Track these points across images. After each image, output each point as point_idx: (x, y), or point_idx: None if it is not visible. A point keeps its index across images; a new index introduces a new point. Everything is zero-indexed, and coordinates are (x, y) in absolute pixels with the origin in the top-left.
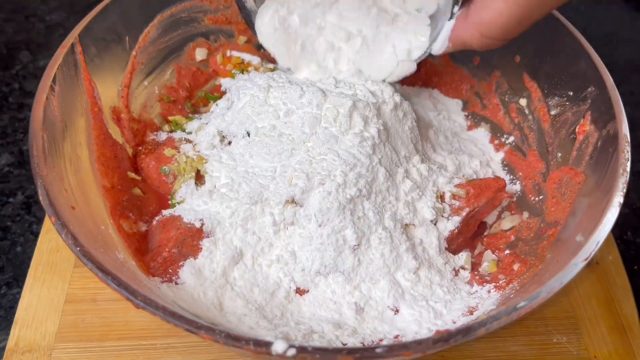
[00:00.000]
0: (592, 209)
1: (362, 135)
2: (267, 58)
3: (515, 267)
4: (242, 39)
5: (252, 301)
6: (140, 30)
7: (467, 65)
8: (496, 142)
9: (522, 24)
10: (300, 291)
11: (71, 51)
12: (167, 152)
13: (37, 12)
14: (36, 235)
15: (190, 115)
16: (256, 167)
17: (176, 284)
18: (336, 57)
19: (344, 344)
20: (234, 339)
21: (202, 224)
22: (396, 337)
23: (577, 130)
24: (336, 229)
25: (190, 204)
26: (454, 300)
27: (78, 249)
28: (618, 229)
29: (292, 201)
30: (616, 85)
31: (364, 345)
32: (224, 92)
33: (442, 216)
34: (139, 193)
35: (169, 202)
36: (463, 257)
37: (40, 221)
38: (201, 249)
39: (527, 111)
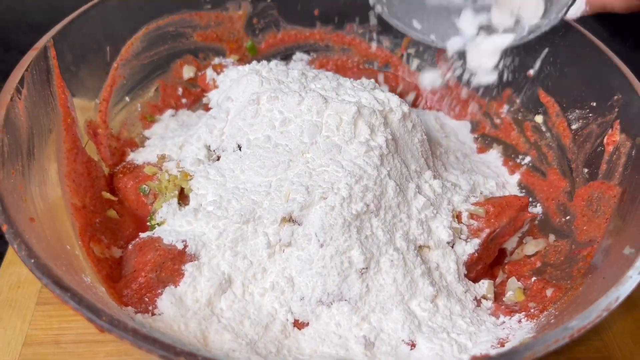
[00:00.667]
0: (639, 219)
1: (368, 144)
2: None
3: (549, 292)
4: (233, 57)
5: (242, 335)
6: (123, 41)
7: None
8: (510, 163)
9: None
10: (298, 324)
11: (44, 55)
12: (148, 169)
13: (17, 45)
14: None
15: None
16: (248, 182)
17: (153, 314)
18: None
19: None
20: None
21: (185, 246)
22: None
23: (605, 141)
24: (341, 249)
25: (171, 225)
26: (479, 332)
27: (32, 260)
28: None
29: (290, 219)
30: None
31: None
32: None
33: (460, 238)
34: (114, 215)
35: (148, 223)
36: (485, 286)
37: (1, 256)
38: (183, 274)
39: (544, 128)
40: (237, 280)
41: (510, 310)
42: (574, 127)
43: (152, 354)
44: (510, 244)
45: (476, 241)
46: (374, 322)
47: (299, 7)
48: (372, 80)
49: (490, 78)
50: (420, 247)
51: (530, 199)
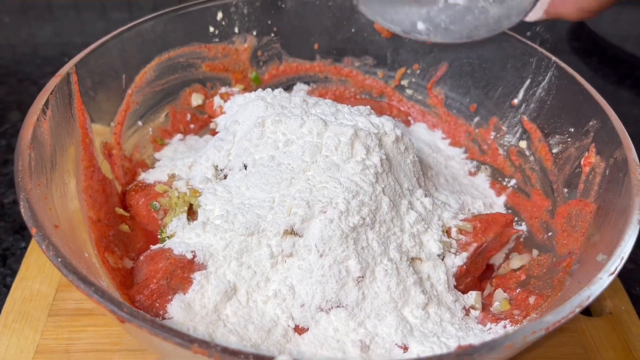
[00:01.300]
0: (610, 230)
1: (364, 163)
2: None
3: (531, 300)
4: (238, 87)
5: (247, 339)
6: (137, 70)
7: (464, 113)
8: (497, 186)
9: None
10: (299, 329)
11: (67, 80)
12: (159, 187)
13: (30, 76)
14: (9, 287)
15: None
16: (253, 198)
17: (163, 318)
18: None
19: None
20: (231, 354)
21: (194, 256)
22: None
23: (582, 163)
24: (339, 259)
25: (181, 237)
26: (467, 336)
27: (59, 259)
28: (625, 284)
29: (291, 231)
30: None
31: None
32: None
33: (450, 251)
34: (127, 229)
35: (158, 236)
36: (473, 297)
37: (15, 273)
38: (192, 282)
39: (527, 152)
40: (241, 288)
41: (497, 318)
42: (554, 151)
43: (167, 341)
44: (497, 259)
45: (464, 254)
46: (369, 327)
47: (300, 42)
48: (368, 106)
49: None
50: (412, 259)
51: (516, 219)
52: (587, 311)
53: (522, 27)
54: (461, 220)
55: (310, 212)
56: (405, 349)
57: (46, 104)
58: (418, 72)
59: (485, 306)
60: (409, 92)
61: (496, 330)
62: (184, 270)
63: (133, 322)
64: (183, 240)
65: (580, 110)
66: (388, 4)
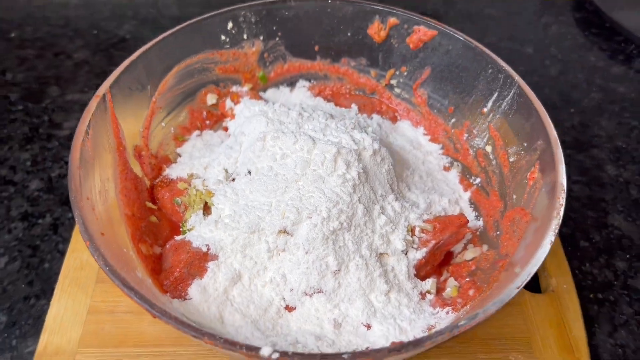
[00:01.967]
0: (531, 245)
1: (344, 177)
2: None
3: (471, 292)
4: (247, 85)
5: (248, 315)
6: (160, 79)
7: (443, 114)
8: (465, 182)
9: None
10: (289, 308)
11: (103, 99)
12: (180, 185)
13: (65, 50)
14: (62, 253)
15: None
16: (255, 201)
17: (185, 299)
18: None
19: (323, 353)
20: (230, 344)
21: (208, 249)
22: (367, 348)
23: (528, 176)
24: (320, 256)
25: (198, 231)
26: (418, 319)
27: (107, 268)
28: (578, 261)
29: (284, 231)
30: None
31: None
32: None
33: (412, 247)
34: (155, 220)
35: (180, 229)
36: (429, 283)
37: (65, 241)
38: (207, 270)
39: (491, 157)
40: (245, 275)
41: (445, 304)
42: (511, 160)
43: (186, 334)
44: (457, 248)
45: (424, 250)
46: (342, 309)
47: (302, 44)
48: (353, 120)
49: None
50: (380, 254)
51: (477, 214)
52: (534, 287)
53: None
54: (424, 221)
55: (299, 217)
56: (369, 327)
57: (88, 124)
58: (405, 73)
59: (440, 290)
60: (397, 90)
61: (440, 315)
62: (200, 261)
63: (162, 319)
64: (200, 234)
65: (533, 130)
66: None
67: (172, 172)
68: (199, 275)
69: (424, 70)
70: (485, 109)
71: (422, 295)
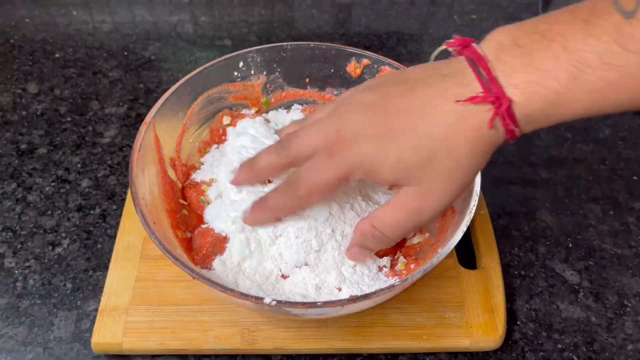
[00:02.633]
0: (451, 233)
1: None
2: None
3: (412, 266)
4: (254, 109)
5: (255, 281)
6: (188, 107)
7: None
8: None
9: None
10: (283, 276)
11: (149, 125)
12: (204, 187)
13: (101, 70)
14: (110, 236)
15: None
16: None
17: (210, 269)
18: None
19: None
20: (244, 296)
21: (226, 235)
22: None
23: None
24: (306, 240)
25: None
26: (375, 285)
27: (161, 246)
28: (509, 246)
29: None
30: None
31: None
32: None
33: None
34: (186, 213)
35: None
36: (385, 260)
37: (112, 227)
38: (225, 249)
39: None
40: (253, 254)
41: (395, 274)
42: None
43: (214, 290)
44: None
45: None
46: (322, 277)
47: (296, 77)
48: None
49: None
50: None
51: None
52: (470, 265)
53: None
54: None
55: (292, 216)
56: (340, 289)
57: (140, 145)
58: None
59: (393, 265)
60: None
61: (389, 282)
62: (221, 242)
63: (199, 279)
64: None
65: None
66: None
67: (197, 176)
68: (220, 253)
69: None
70: None
71: (380, 269)
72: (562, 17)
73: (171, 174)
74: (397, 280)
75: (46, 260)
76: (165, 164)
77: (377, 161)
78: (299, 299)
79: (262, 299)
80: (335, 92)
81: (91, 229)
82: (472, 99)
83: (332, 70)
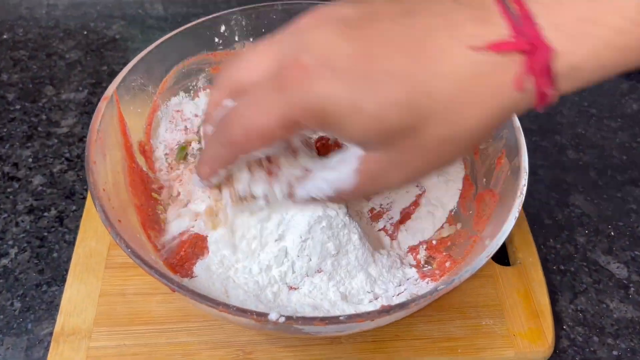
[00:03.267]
0: (498, 221)
1: None
2: None
3: (447, 264)
4: None
5: (249, 290)
6: (160, 79)
7: None
8: None
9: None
10: (292, 288)
11: (110, 100)
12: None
13: (57, 51)
14: (68, 243)
15: None
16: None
17: (192, 277)
18: None
19: None
20: (242, 312)
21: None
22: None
23: (496, 162)
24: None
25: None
26: (405, 288)
27: (129, 250)
28: (543, 237)
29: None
30: None
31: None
32: None
33: None
34: (161, 210)
35: None
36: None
37: (71, 232)
38: (206, 250)
39: None
40: None
41: (425, 275)
42: (481, 147)
43: (202, 304)
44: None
45: None
46: (346, 284)
47: None
48: None
49: None
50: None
51: None
52: (504, 261)
53: None
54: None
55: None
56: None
57: (100, 124)
58: None
59: (419, 263)
60: None
61: (422, 285)
62: (203, 241)
63: (181, 292)
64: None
65: None
66: None
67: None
68: (202, 255)
69: None
70: None
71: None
72: None
73: (140, 161)
74: (440, 284)
75: None
76: (133, 148)
77: (344, 112)
78: (308, 312)
79: (266, 315)
80: None
81: (45, 234)
82: (495, 46)
83: None
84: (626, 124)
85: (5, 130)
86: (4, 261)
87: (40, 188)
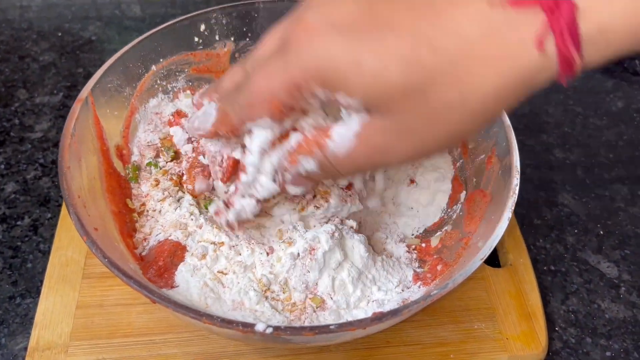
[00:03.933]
0: (491, 222)
1: None
2: None
3: (439, 267)
4: None
5: (234, 298)
6: (137, 80)
7: None
8: None
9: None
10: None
11: (85, 102)
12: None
13: (30, 53)
14: (43, 252)
15: None
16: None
17: (172, 287)
18: None
19: None
20: (227, 323)
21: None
22: None
23: (486, 161)
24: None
25: None
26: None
27: (106, 260)
28: (533, 237)
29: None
30: None
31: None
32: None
33: None
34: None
35: None
36: None
37: (46, 240)
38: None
39: None
40: None
41: (418, 278)
42: (470, 146)
43: (184, 316)
44: None
45: None
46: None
47: None
48: None
49: None
50: None
51: None
52: (494, 263)
53: None
54: None
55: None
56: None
57: (74, 127)
58: None
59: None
60: None
61: (413, 289)
62: (182, 250)
63: (162, 303)
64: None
65: None
66: None
67: None
68: (182, 263)
69: None
70: None
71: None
72: None
73: (118, 166)
74: (433, 288)
75: None
76: (110, 153)
77: (343, 68)
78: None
79: (252, 325)
80: None
81: (18, 244)
82: (514, 2)
83: None
84: (612, 122)
85: None
86: None
87: (13, 195)
